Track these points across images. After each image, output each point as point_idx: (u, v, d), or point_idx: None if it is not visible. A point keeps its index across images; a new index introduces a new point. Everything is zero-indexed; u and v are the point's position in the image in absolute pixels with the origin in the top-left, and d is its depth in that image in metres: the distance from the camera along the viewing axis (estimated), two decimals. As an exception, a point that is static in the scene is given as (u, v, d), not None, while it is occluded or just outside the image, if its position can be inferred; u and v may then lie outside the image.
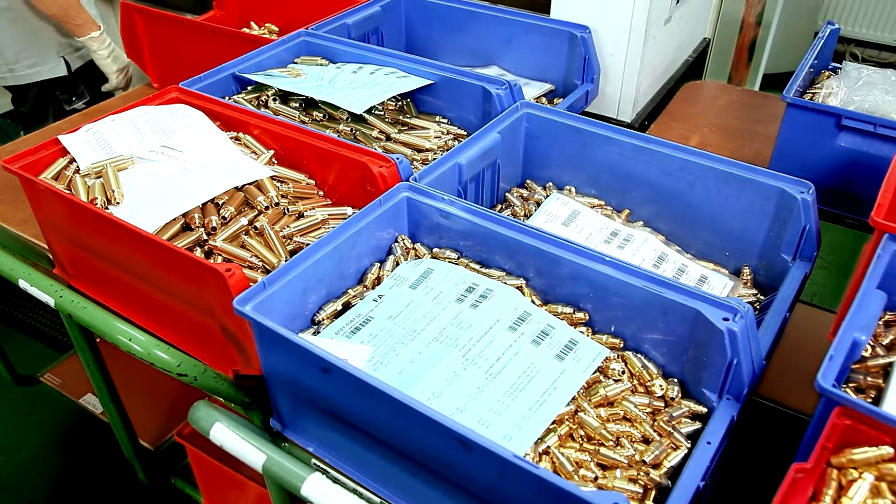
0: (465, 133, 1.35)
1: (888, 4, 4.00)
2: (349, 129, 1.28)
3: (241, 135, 1.21)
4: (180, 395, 1.85)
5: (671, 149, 1.16)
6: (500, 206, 1.26)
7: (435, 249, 1.04)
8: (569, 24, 1.55)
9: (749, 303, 1.07)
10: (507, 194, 1.26)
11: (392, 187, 1.04)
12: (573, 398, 0.86)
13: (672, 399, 0.88)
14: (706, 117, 1.70)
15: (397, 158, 1.07)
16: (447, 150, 1.30)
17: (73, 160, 1.14)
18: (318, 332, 0.91)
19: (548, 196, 1.24)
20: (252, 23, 1.93)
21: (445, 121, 1.37)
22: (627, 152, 1.19)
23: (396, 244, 1.04)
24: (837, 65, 1.57)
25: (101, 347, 1.44)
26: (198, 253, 1.02)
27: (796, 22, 3.71)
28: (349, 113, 1.29)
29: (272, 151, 1.18)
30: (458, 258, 1.02)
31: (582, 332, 0.93)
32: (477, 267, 1.00)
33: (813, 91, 1.48)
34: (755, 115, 1.72)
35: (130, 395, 1.59)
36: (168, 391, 1.84)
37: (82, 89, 2.23)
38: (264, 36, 1.86)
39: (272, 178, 1.12)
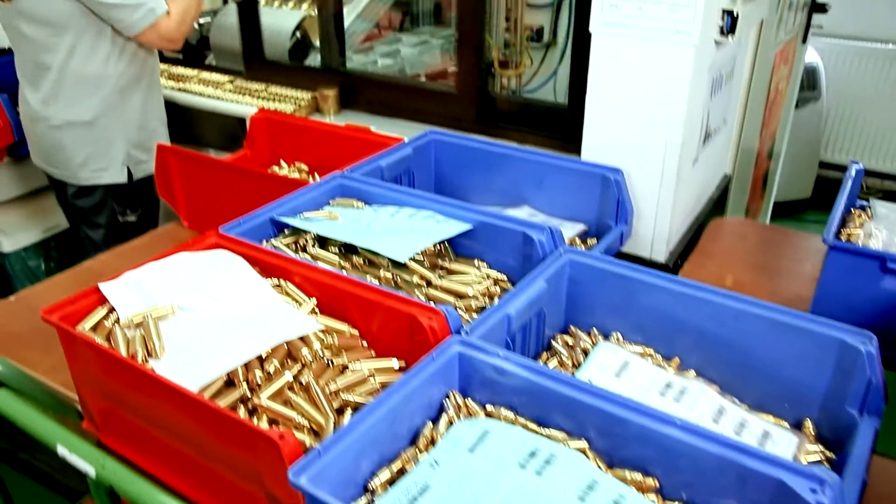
0: (506, 278, 1.33)
1: (886, 134, 4.12)
2: (390, 275, 1.26)
3: (282, 282, 1.19)
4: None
5: (721, 296, 1.14)
6: (545, 354, 1.22)
7: (489, 407, 0.99)
8: (601, 166, 1.57)
9: (818, 461, 1.01)
10: (552, 342, 1.22)
11: (442, 341, 1.01)
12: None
13: (757, 578, 0.81)
14: (738, 255, 1.70)
15: (445, 309, 1.05)
16: (488, 295, 1.28)
17: (112, 309, 1.11)
18: (373, 503, 0.85)
19: (595, 344, 1.21)
20: (282, 161, 1.96)
21: (484, 264, 1.36)
22: (675, 299, 1.17)
23: (448, 401, 0.99)
24: (864, 202, 1.58)
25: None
26: (241, 412, 0.97)
27: (798, 153, 3.80)
28: (389, 259, 1.27)
29: (314, 300, 1.16)
30: (515, 417, 0.97)
31: (653, 500, 0.87)
32: (535, 427, 0.95)
33: (848, 232, 1.48)
34: (787, 253, 1.71)
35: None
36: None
37: (137, 204, 2.30)
38: (293, 175, 1.90)
39: (316, 328, 1.09)
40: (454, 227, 1.33)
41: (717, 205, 2.01)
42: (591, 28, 1.50)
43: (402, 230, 1.33)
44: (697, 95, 1.52)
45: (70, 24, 2.02)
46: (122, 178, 2.21)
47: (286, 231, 1.39)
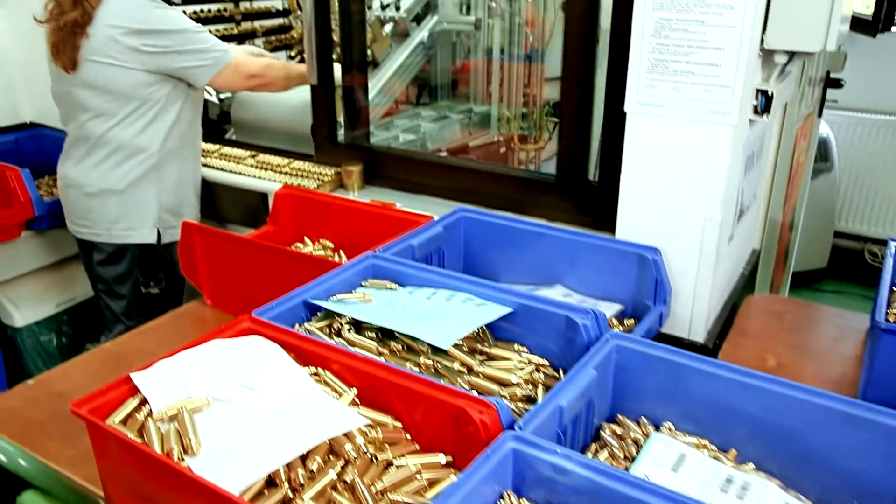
0: (548, 363, 1.29)
1: (896, 203, 4.14)
2: (430, 361, 1.22)
3: (320, 370, 1.15)
4: None
5: (774, 384, 1.09)
6: (594, 445, 1.16)
7: (546, 508, 0.93)
8: (638, 245, 1.54)
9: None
10: (601, 433, 1.17)
11: (495, 437, 0.96)
12: None
13: None
14: (776, 334, 1.66)
15: (496, 402, 1.00)
16: (532, 382, 1.23)
17: (144, 401, 1.06)
18: None
19: (646, 434, 1.15)
20: (306, 237, 1.94)
21: (524, 349, 1.31)
22: (727, 386, 1.12)
23: (502, 501, 0.94)
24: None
25: None
26: (284, 515, 0.91)
27: (813, 223, 3.80)
28: (429, 345, 1.23)
29: (355, 390, 1.11)
30: (576, 521, 0.91)
31: None
32: (599, 532, 0.89)
33: (894, 312, 1.44)
34: (825, 331, 1.67)
35: None
36: None
37: (161, 276, 2.31)
38: (317, 252, 1.87)
39: (358, 421, 1.04)
40: (495, 311, 1.29)
41: (748, 281, 1.97)
42: (627, 108, 1.50)
43: (441, 314, 1.29)
44: (734, 174, 1.50)
45: (130, 93, 2.06)
46: (151, 238, 2.21)
47: (319, 314, 1.35)
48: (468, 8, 2.80)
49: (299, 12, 2.72)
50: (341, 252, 1.87)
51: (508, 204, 1.96)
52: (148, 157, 2.14)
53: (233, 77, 2.14)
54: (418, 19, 2.79)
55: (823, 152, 3.78)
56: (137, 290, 2.29)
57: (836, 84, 2.74)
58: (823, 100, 2.82)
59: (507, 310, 1.31)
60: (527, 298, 1.33)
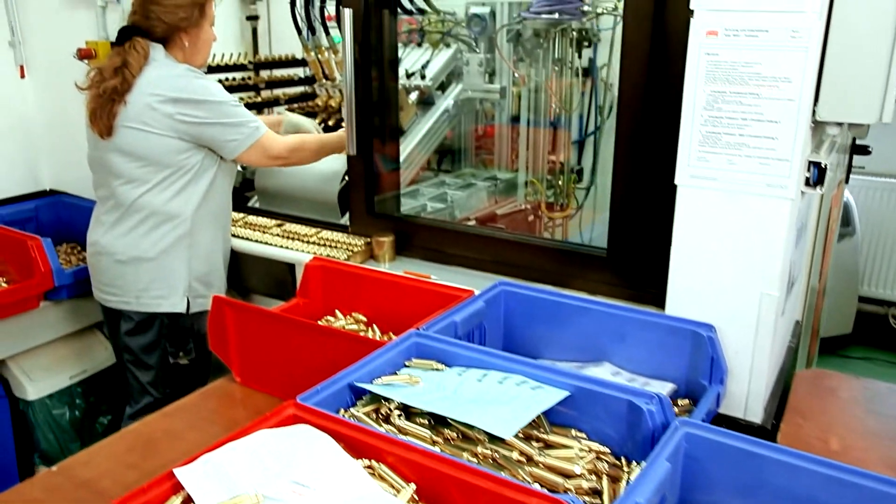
0: (608, 450, 1.21)
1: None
2: (489, 451, 1.14)
3: (374, 463, 1.07)
4: None
5: (871, 480, 1.02)
6: (668, 543, 1.08)
7: None
8: (691, 321, 1.48)
9: None
10: (675, 529, 1.09)
11: (575, 542, 0.88)
12: None
13: None
14: (834, 414, 1.59)
15: (571, 500, 0.93)
16: (595, 472, 1.16)
17: (189, 499, 0.99)
18: None
19: (724, 532, 1.07)
20: (337, 311, 1.88)
21: (583, 435, 1.24)
22: (811, 481, 1.05)
23: None
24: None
25: None
26: None
27: (838, 289, 3.74)
28: (487, 433, 1.16)
29: (413, 486, 1.04)
30: None
31: None
32: None
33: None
34: (885, 409, 1.60)
35: None
36: None
37: (191, 346, 2.23)
38: (350, 326, 1.81)
39: (420, 522, 0.96)
40: (553, 396, 1.23)
41: (794, 354, 1.91)
42: (678, 180, 1.46)
43: (497, 399, 1.22)
44: (790, 248, 1.45)
45: (163, 160, 2.04)
46: (181, 307, 2.15)
47: (364, 398, 1.28)
48: (492, 75, 2.81)
49: (325, 81, 2.73)
50: (374, 326, 1.81)
51: (545, 276, 1.91)
52: (180, 224, 2.10)
53: (258, 156, 2.12)
54: (443, 87, 2.79)
55: (845, 217, 3.75)
56: (165, 360, 2.21)
57: (864, 150, 2.72)
58: (850, 166, 2.79)
59: (564, 393, 1.25)
60: (584, 381, 1.26)
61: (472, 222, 2.55)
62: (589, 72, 2.74)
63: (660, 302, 1.70)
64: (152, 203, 2.07)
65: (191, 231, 2.11)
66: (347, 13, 1.99)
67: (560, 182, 2.69)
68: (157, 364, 2.20)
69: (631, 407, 1.19)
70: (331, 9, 2.67)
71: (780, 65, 1.31)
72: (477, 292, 1.67)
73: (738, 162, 1.39)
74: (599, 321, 1.59)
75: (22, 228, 2.59)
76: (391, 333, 1.79)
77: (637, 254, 1.73)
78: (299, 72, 3.16)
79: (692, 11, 1.37)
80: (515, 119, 2.84)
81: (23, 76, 2.90)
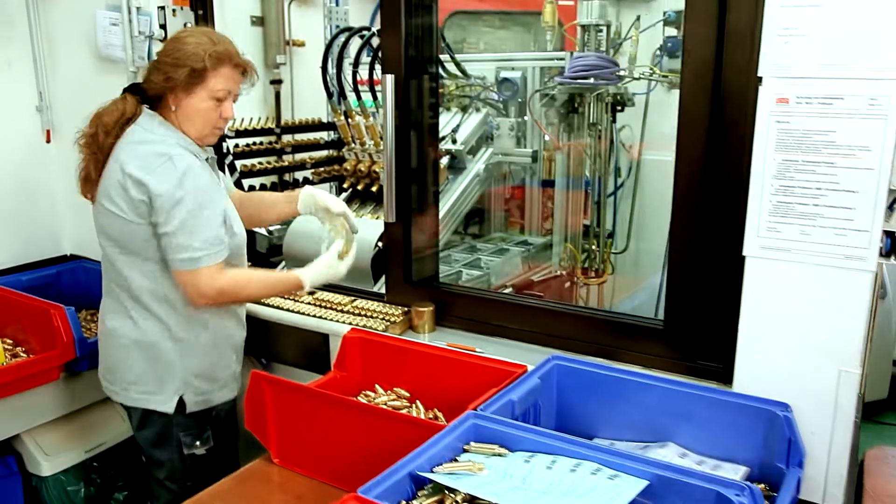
0: (696, 545, 1.12)
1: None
2: (569, 551, 1.05)
3: (448, 566, 0.98)
4: None
5: None
6: None
7: None
8: (764, 400, 1.40)
9: None
10: None
11: None
12: None
13: None
14: (915, 497, 1.49)
15: None
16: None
17: None
18: None
19: None
20: (377, 386, 1.79)
21: (665, 529, 1.15)
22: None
23: None
24: None
25: None
26: None
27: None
28: (565, 531, 1.07)
29: None
30: None
31: None
32: None
33: None
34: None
35: None
36: None
37: (208, 434, 1.96)
38: (392, 402, 1.72)
39: None
40: (633, 486, 1.13)
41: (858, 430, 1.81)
42: (746, 251, 1.40)
43: (571, 490, 1.13)
44: (868, 321, 1.38)
45: (133, 246, 1.83)
46: (169, 406, 1.89)
47: (427, 488, 1.19)
48: (521, 139, 2.77)
49: (353, 144, 2.69)
50: (418, 403, 1.72)
51: (594, 348, 1.82)
52: (170, 314, 1.87)
53: (184, 287, 1.82)
54: (473, 151, 2.75)
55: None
56: (180, 453, 1.95)
57: None
58: (888, 229, 2.74)
59: (642, 483, 1.15)
60: (663, 468, 1.17)
61: (509, 290, 2.48)
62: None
63: (722, 378, 1.62)
64: (145, 286, 1.86)
65: (187, 320, 1.88)
66: (389, 79, 1.96)
67: (594, 246, 2.63)
68: (170, 458, 1.95)
69: (720, 499, 1.10)
70: (362, 73, 2.65)
71: (857, 133, 1.26)
72: (530, 367, 1.59)
73: (813, 233, 1.33)
74: (661, 398, 1.50)
75: (43, 294, 2.51)
76: (436, 410, 1.71)
77: (697, 326, 1.65)
78: (324, 135, 3.13)
79: (760, 79, 1.33)
80: (546, 182, 2.80)
81: (48, 141, 2.87)
